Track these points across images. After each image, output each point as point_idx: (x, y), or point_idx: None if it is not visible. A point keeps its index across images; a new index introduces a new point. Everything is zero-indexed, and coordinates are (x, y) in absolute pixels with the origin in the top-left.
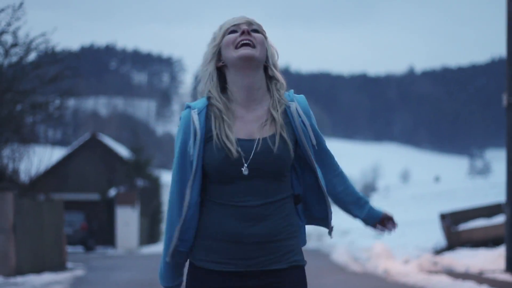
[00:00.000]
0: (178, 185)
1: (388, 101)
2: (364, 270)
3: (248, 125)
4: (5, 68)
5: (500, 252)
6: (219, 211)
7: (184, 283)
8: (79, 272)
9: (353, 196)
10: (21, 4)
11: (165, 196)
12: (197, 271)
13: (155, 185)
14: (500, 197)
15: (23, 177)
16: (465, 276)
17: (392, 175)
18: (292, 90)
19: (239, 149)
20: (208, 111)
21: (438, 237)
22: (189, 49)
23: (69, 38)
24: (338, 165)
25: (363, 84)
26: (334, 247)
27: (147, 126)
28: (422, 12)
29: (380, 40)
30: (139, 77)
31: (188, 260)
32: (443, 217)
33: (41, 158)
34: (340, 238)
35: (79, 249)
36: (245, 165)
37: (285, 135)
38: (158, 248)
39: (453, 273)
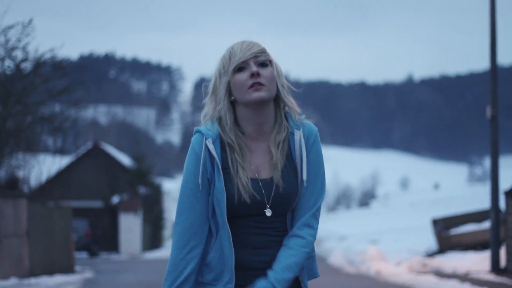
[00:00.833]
0: (189, 218)
1: (387, 109)
2: (358, 271)
3: (259, 159)
4: (15, 82)
5: (486, 255)
6: (226, 242)
7: None
8: (88, 274)
9: (277, 265)
10: (30, 21)
11: (167, 203)
12: None
13: (156, 192)
14: None
15: (33, 184)
16: (450, 276)
17: (392, 182)
18: (303, 116)
19: (260, 189)
20: (221, 141)
21: (431, 242)
22: (188, 58)
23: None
24: (309, 228)
25: (362, 92)
26: (331, 252)
27: (147, 135)
28: (421, 20)
29: (379, 48)
30: (138, 86)
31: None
32: (435, 222)
33: (46, 166)
34: (337, 243)
35: (83, 254)
36: (268, 206)
37: (292, 168)
38: (160, 253)
39: (440, 274)
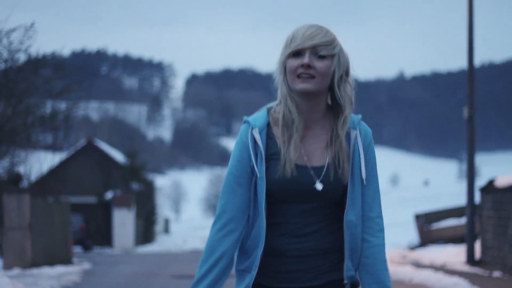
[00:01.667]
0: (230, 203)
1: (378, 106)
2: None
3: (309, 146)
4: (17, 83)
5: (463, 248)
6: (268, 229)
7: None
8: (86, 266)
9: (370, 284)
10: (32, 24)
11: (159, 199)
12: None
13: (149, 188)
14: None
15: (31, 180)
16: (427, 266)
17: (382, 179)
18: (359, 116)
19: (310, 173)
20: (268, 130)
21: (414, 236)
22: (180, 54)
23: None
24: (375, 230)
25: (353, 88)
26: None
27: (138, 131)
28: (412, 17)
29: (370, 45)
30: (130, 82)
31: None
32: (418, 217)
33: (41, 163)
34: None
35: (77, 248)
36: (317, 180)
37: (343, 162)
38: (153, 247)
39: (418, 265)
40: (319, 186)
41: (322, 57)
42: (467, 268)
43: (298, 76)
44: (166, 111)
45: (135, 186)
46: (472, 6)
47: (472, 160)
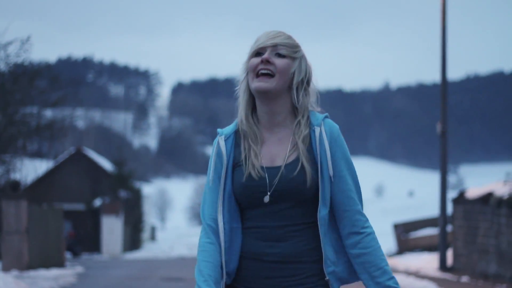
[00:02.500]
0: (209, 211)
1: (364, 116)
2: None
3: (272, 149)
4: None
5: (437, 255)
6: (246, 232)
7: None
8: (79, 269)
9: (371, 272)
10: (28, 38)
11: (146, 207)
12: None
13: (136, 196)
14: None
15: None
16: (400, 272)
17: (367, 189)
18: (325, 114)
19: (265, 176)
20: (236, 138)
21: (392, 245)
22: (165, 62)
23: (46, 50)
24: (363, 222)
25: (339, 99)
26: None
27: (124, 139)
28: (398, 28)
29: (356, 55)
30: (116, 90)
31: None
32: (396, 226)
33: (31, 170)
34: None
35: (67, 254)
36: (268, 193)
37: (305, 162)
38: (140, 254)
39: (393, 271)
40: (266, 199)
41: (282, 56)
42: (438, 274)
43: (257, 75)
44: (152, 120)
45: (123, 194)
46: (445, 27)
47: (444, 173)
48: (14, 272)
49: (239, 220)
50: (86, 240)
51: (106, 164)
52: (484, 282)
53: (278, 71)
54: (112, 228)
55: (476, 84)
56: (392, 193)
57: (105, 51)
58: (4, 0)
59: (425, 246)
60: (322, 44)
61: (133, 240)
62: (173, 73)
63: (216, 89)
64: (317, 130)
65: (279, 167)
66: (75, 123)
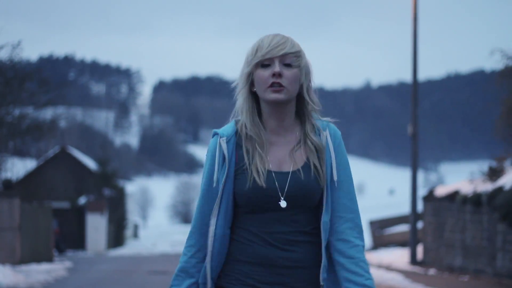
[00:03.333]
0: (201, 215)
1: (345, 114)
2: None
3: (279, 152)
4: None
5: (409, 250)
6: (251, 237)
7: None
8: (68, 264)
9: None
10: (19, 42)
11: (130, 205)
12: None
13: (120, 194)
14: None
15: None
16: (373, 265)
17: None
18: (328, 119)
19: (275, 181)
20: (237, 139)
21: (367, 241)
22: (147, 60)
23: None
24: (355, 232)
25: (320, 97)
26: None
27: (106, 137)
28: (379, 27)
29: (337, 54)
30: (98, 88)
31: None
32: (372, 223)
33: (16, 168)
34: None
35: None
36: (282, 198)
37: (315, 166)
38: (124, 250)
39: None
40: (283, 204)
41: (289, 66)
42: (408, 267)
43: (269, 85)
44: (134, 118)
45: (107, 192)
46: (416, 31)
47: (415, 173)
48: (8, 267)
49: (231, 226)
50: (70, 237)
51: (90, 162)
52: (450, 274)
53: (288, 83)
54: (97, 226)
55: (457, 82)
56: (373, 191)
57: (86, 49)
58: None
59: (398, 242)
60: (303, 42)
61: (116, 238)
62: (155, 71)
63: (197, 87)
64: (323, 134)
65: (288, 173)
66: (60, 122)
